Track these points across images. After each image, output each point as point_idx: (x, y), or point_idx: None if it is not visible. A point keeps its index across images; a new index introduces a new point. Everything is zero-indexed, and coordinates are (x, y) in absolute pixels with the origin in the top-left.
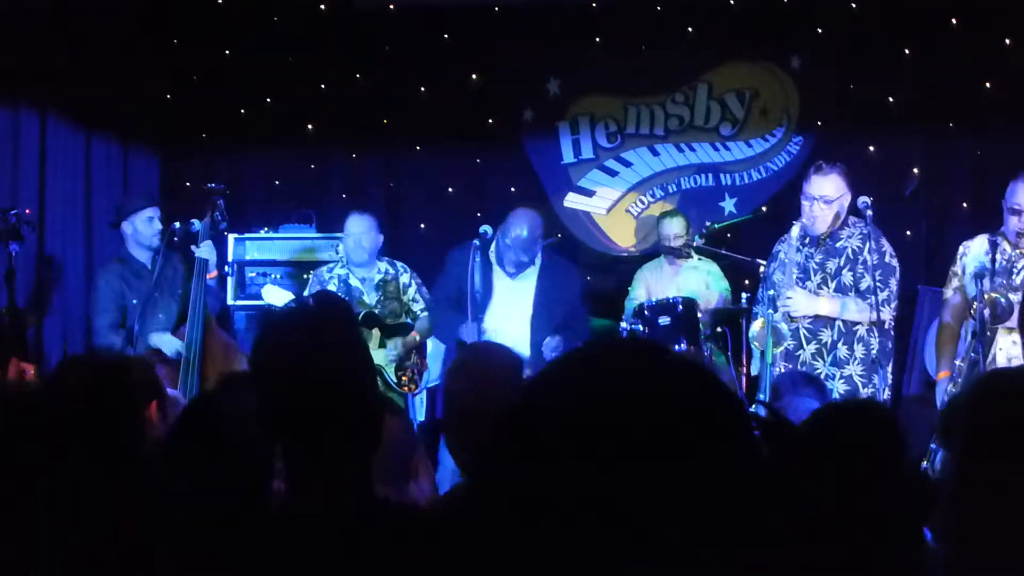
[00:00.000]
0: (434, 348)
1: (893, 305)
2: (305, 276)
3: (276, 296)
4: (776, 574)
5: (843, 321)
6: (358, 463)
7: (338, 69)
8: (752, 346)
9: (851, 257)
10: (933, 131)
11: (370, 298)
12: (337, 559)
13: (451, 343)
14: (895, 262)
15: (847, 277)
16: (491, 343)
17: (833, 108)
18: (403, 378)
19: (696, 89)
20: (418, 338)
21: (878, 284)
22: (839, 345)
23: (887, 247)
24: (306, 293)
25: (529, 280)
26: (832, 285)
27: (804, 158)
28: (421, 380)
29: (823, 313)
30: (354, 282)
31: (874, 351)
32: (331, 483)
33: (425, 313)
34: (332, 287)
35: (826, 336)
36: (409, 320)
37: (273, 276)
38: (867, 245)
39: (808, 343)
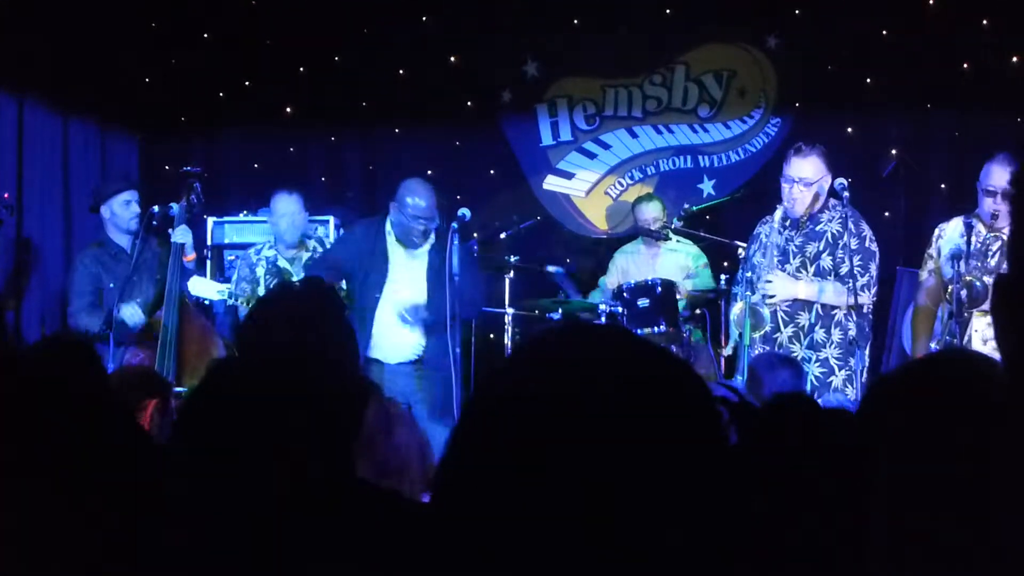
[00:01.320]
0: None
1: (873, 290)
2: (231, 258)
3: (202, 288)
4: (744, 557)
5: (821, 305)
6: (340, 444)
7: (316, 52)
8: (732, 328)
9: (831, 241)
10: (911, 112)
11: (298, 278)
12: (318, 540)
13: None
14: (875, 247)
15: (826, 261)
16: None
17: (811, 89)
18: None
19: (674, 70)
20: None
21: (857, 269)
22: (816, 328)
23: (867, 231)
24: (233, 277)
25: (423, 255)
26: (811, 269)
27: (782, 139)
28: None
29: (801, 297)
30: (283, 263)
31: (851, 334)
32: (311, 465)
33: None
34: (260, 269)
35: (803, 319)
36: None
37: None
38: (847, 229)
39: (785, 326)
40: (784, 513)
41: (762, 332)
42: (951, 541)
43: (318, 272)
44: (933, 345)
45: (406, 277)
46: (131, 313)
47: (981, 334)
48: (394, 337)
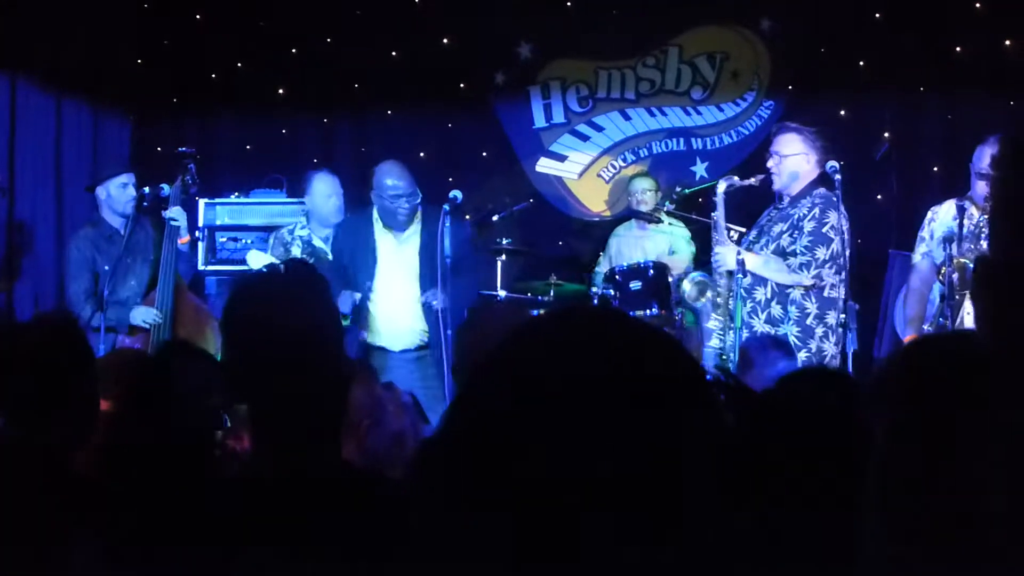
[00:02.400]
0: None
1: (812, 272)
2: (223, 240)
3: (260, 260)
4: (740, 539)
5: (775, 283)
6: (325, 426)
7: (309, 33)
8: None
9: (795, 223)
10: (904, 95)
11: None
12: (301, 522)
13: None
14: (833, 234)
15: (784, 240)
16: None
17: (804, 72)
18: None
19: (667, 53)
20: None
21: (801, 248)
22: (772, 304)
23: (830, 220)
24: (268, 254)
25: (413, 238)
26: (771, 247)
27: (775, 122)
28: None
29: (749, 267)
30: (317, 242)
31: (810, 316)
32: (297, 446)
33: None
34: (296, 249)
35: (760, 295)
36: None
37: (244, 241)
38: (811, 213)
39: (745, 302)
40: (784, 498)
41: (705, 300)
42: (947, 525)
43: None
44: (926, 327)
45: (397, 262)
46: (142, 314)
47: (973, 316)
48: (395, 325)
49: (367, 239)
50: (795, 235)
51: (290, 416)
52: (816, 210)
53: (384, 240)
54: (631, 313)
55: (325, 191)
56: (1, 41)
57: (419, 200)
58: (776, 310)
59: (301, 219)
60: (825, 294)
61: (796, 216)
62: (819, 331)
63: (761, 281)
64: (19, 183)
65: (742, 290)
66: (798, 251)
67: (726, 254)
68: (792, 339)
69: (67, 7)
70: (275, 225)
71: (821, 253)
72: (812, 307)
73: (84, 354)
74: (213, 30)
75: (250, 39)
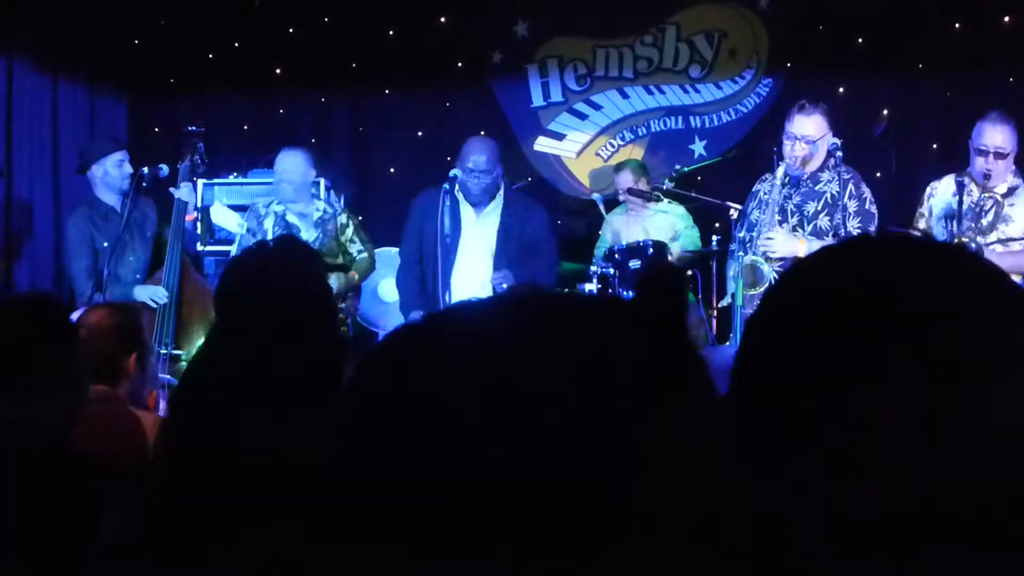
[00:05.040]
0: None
1: None
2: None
3: (224, 217)
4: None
5: None
6: (314, 402)
7: (306, 12)
8: (729, 285)
9: (830, 202)
10: (902, 72)
11: (308, 234)
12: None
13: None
14: (875, 208)
15: (824, 221)
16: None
17: (802, 50)
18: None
19: (665, 31)
20: (356, 278)
21: (856, 231)
22: None
23: (867, 193)
24: (243, 225)
25: (493, 216)
26: (808, 228)
27: (773, 100)
28: (351, 321)
29: (801, 254)
30: (291, 218)
31: None
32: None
33: (363, 255)
34: (268, 223)
35: None
36: (346, 261)
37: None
38: (847, 190)
39: None
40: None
41: (759, 290)
42: None
43: (413, 267)
44: None
45: (475, 238)
46: (146, 291)
47: None
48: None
49: (450, 212)
50: (836, 215)
51: (280, 391)
52: (851, 186)
53: (467, 213)
54: (631, 291)
55: (284, 166)
56: None
57: (496, 179)
58: None
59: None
60: None
61: (828, 193)
62: None
63: None
64: (16, 164)
65: (775, 275)
66: (854, 234)
67: (785, 241)
68: None
69: None
70: None
71: (873, 230)
72: None
73: (64, 330)
74: (209, 9)
75: (246, 18)
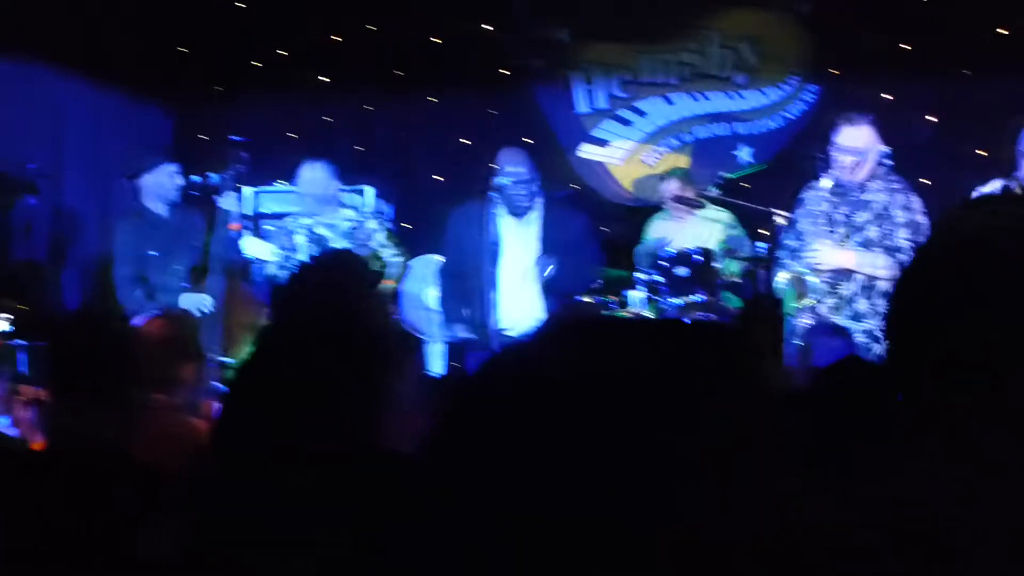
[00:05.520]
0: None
1: None
2: (268, 228)
3: (257, 248)
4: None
5: (863, 275)
6: (370, 408)
7: (350, 20)
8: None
9: (878, 212)
10: (947, 76)
11: (338, 245)
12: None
13: (458, 315)
14: (924, 219)
15: (872, 231)
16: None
17: (846, 56)
18: None
19: (709, 37)
20: (393, 285)
21: (905, 242)
22: (858, 299)
23: (916, 204)
24: (273, 244)
25: (534, 225)
26: (857, 239)
27: (819, 107)
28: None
29: (849, 265)
30: (321, 230)
31: None
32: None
33: (396, 259)
34: (299, 237)
35: (845, 290)
36: (379, 268)
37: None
38: (896, 201)
39: (827, 296)
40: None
41: (808, 303)
42: None
43: (453, 282)
44: None
45: (518, 245)
46: (192, 300)
47: None
48: (515, 308)
49: (489, 224)
50: (886, 226)
51: (346, 404)
52: (900, 195)
53: (506, 224)
54: (678, 299)
55: (308, 179)
56: (46, 32)
57: (536, 188)
58: (862, 304)
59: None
60: None
61: (877, 204)
62: None
63: (847, 276)
64: (66, 172)
65: (824, 285)
66: (903, 246)
67: (832, 252)
68: (876, 332)
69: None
70: None
71: (922, 240)
72: None
73: (126, 342)
74: (255, 17)
75: (291, 26)
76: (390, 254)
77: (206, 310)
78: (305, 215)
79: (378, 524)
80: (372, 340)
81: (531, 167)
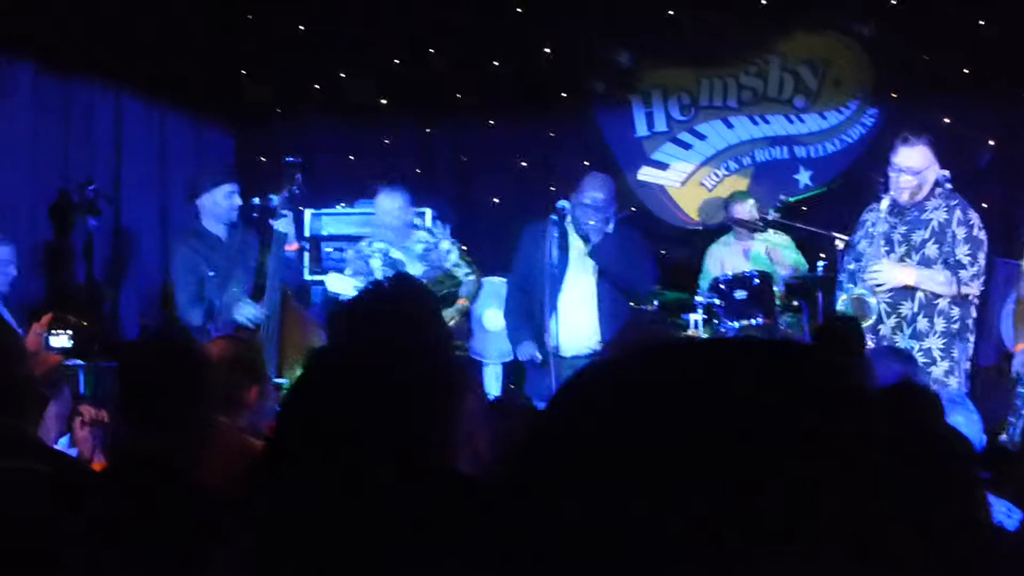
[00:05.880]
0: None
1: (980, 280)
2: (328, 250)
3: (340, 285)
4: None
5: (924, 294)
6: (436, 436)
7: (410, 43)
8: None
9: (937, 230)
10: (1008, 101)
11: (414, 268)
12: (408, 531)
13: (524, 324)
14: (983, 235)
15: (931, 250)
16: (652, 314)
17: (907, 79)
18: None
19: (769, 60)
20: (467, 304)
21: (966, 258)
22: (919, 318)
23: (975, 219)
24: (347, 268)
25: (600, 249)
26: (916, 257)
27: (879, 130)
28: (465, 348)
29: (910, 283)
30: (396, 254)
31: (955, 324)
32: (406, 454)
33: (470, 277)
34: (375, 261)
35: (906, 309)
36: (453, 288)
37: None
38: (954, 218)
39: (888, 317)
40: None
41: (868, 323)
42: None
43: (520, 297)
44: None
45: (584, 269)
46: (244, 308)
47: None
48: (573, 331)
49: (558, 244)
50: (945, 243)
51: (404, 427)
52: (958, 212)
53: (575, 247)
54: (735, 322)
55: (385, 207)
56: (106, 55)
57: (609, 216)
58: (922, 323)
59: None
60: (968, 299)
61: (936, 222)
62: (959, 340)
63: (907, 295)
64: (125, 193)
65: (885, 305)
66: (963, 261)
67: (892, 271)
68: (936, 351)
69: (171, 20)
70: None
71: (982, 258)
72: (956, 316)
73: (196, 366)
74: (316, 40)
75: (352, 49)
76: (464, 273)
77: (257, 321)
78: (380, 240)
79: (432, 549)
80: (429, 364)
81: (610, 195)
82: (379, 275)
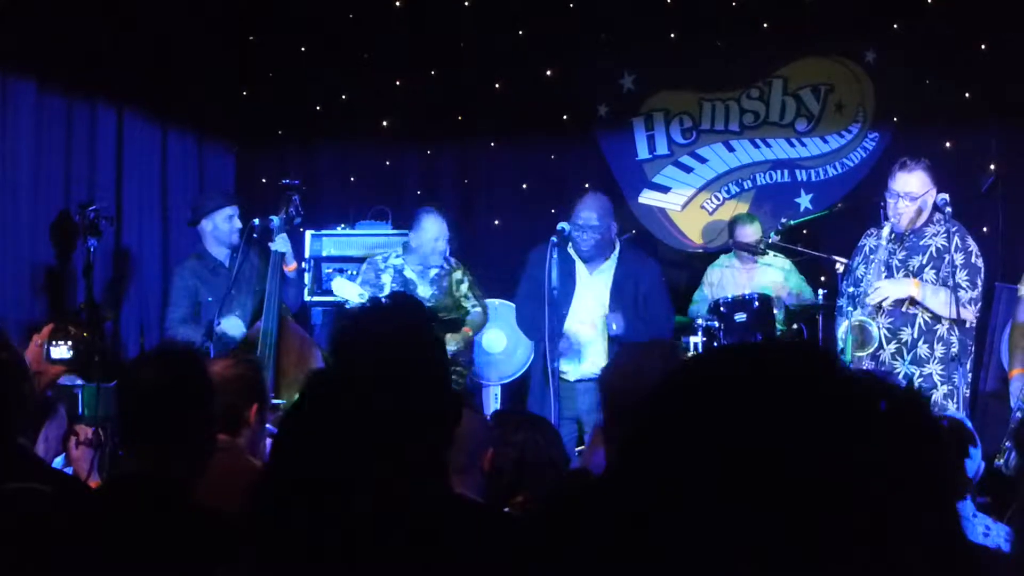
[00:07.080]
0: (512, 343)
1: (977, 306)
2: (328, 271)
3: (345, 289)
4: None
5: (924, 320)
6: (433, 456)
7: (412, 65)
8: (838, 345)
9: (935, 255)
10: (1009, 126)
11: (424, 290)
12: (408, 552)
13: (536, 338)
14: (981, 262)
15: (929, 274)
16: (649, 342)
17: (909, 104)
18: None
19: (771, 84)
20: (471, 334)
21: (965, 283)
22: (919, 344)
23: (973, 246)
24: (359, 280)
25: (607, 272)
26: None
27: (880, 154)
28: (468, 374)
29: (914, 294)
30: (409, 274)
31: (954, 349)
32: (405, 476)
33: (477, 309)
34: (387, 277)
35: (906, 335)
36: (459, 315)
37: (349, 272)
38: (953, 243)
39: (888, 342)
40: None
41: (869, 351)
42: None
43: (534, 304)
44: None
45: (587, 293)
46: (233, 324)
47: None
48: (579, 353)
49: (564, 270)
50: (943, 268)
51: (399, 449)
52: (956, 239)
53: (579, 270)
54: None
55: (433, 232)
56: (108, 74)
57: (604, 237)
58: (923, 349)
59: (398, 248)
60: (966, 326)
61: (934, 247)
62: (959, 365)
63: (908, 321)
64: (126, 213)
65: (886, 331)
66: (961, 285)
67: (896, 284)
68: (936, 376)
69: (172, 39)
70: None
71: (979, 283)
72: (955, 341)
73: (205, 387)
74: (317, 62)
75: (354, 71)
76: (471, 306)
77: (233, 334)
78: (396, 255)
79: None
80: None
81: (603, 215)
82: (387, 291)
